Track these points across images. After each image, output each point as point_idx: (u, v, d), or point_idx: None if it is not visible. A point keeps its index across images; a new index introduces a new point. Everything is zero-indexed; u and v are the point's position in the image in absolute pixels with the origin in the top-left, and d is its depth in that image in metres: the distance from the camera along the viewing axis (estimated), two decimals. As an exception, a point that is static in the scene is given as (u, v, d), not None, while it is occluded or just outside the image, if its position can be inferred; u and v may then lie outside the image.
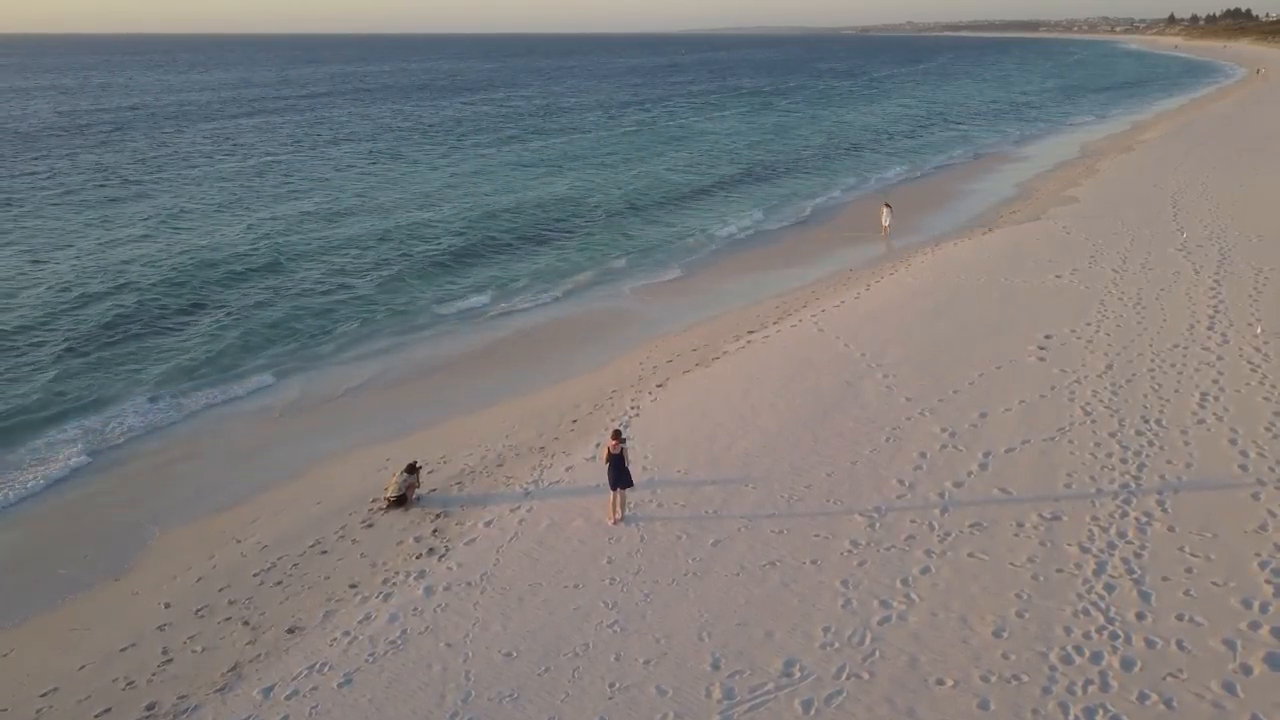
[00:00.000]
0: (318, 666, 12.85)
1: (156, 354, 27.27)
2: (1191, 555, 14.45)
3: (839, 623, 13.15)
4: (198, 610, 14.65)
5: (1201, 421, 19.20)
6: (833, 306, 28.76)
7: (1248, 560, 14.28)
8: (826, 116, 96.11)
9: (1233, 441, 18.26)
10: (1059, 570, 14.18)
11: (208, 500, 18.72)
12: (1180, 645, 12.40)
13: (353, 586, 14.92)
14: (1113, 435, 18.70)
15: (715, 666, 12.37)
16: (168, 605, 14.87)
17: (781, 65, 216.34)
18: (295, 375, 25.84)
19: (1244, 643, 12.42)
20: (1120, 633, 12.69)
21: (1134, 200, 42.85)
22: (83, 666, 13.50)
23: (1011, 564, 14.42)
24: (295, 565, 15.77)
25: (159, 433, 22.17)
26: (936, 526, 15.61)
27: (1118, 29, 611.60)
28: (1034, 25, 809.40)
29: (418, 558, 15.58)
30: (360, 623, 13.80)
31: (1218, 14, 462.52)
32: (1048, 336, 24.54)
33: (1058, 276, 30.39)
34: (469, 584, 14.61)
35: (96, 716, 12.40)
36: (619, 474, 16.10)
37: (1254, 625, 12.77)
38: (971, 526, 15.55)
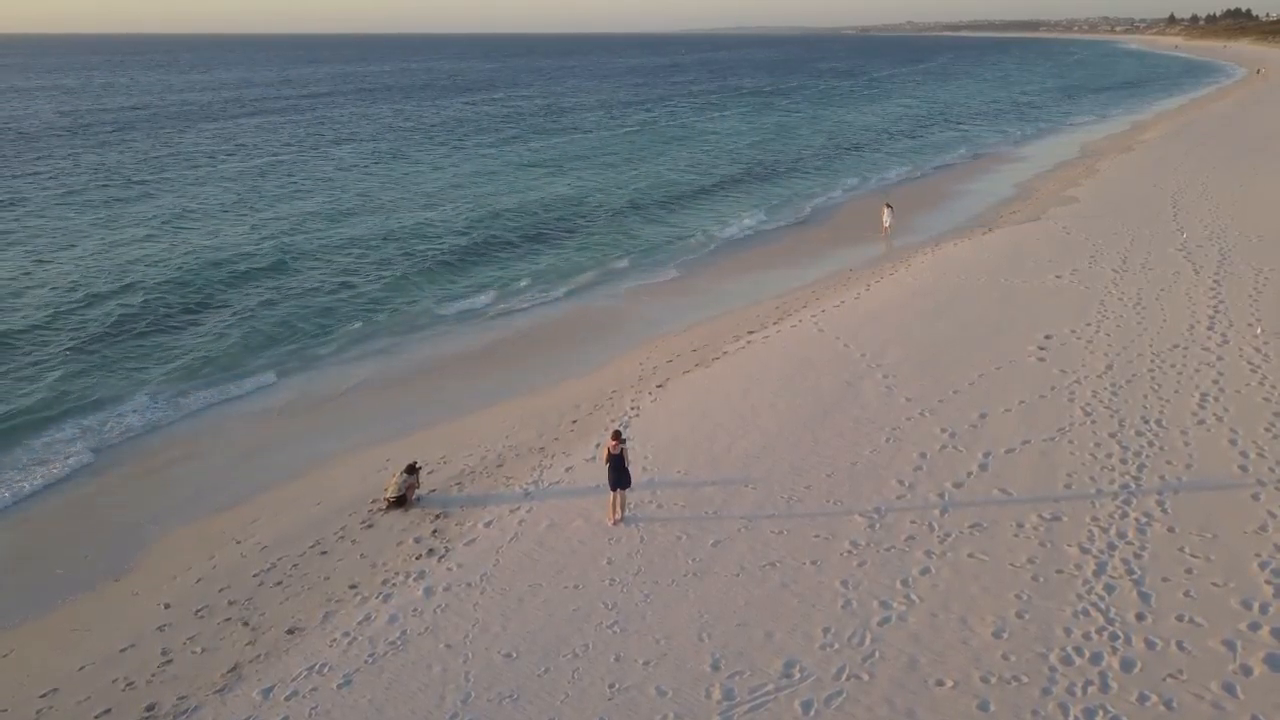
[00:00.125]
0: (317, 667, 12.85)
1: (157, 354, 27.27)
2: (1191, 556, 14.45)
3: (839, 623, 13.15)
4: (197, 611, 14.65)
5: (1201, 422, 19.20)
6: (833, 306, 28.76)
7: (1248, 561, 14.27)
8: (827, 116, 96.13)
9: (1233, 442, 18.25)
10: (1059, 571, 14.18)
11: (208, 500, 18.73)
12: (1180, 646, 12.40)
13: (352, 587, 14.92)
14: (1113, 436, 18.70)
15: (715, 667, 12.37)
16: (167, 606, 14.87)
17: (782, 65, 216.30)
18: (295, 375, 25.85)
19: (1244, 643, 12.41)
20: (1120, 634, 12.69)
21: (1134, 200, 42.85)
22: (82, 667, 13.50)
23: (1011, 565, 14.42)
24: (295, 566, 15.77)
25: (159, 433, 22.18)
26: (936, 527, 15.60)
27: (1118, 29, 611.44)
28: (1034, 25, 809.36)
29: (417, 558, 15.59)
30: (360, 623, 13.80)
31: (1218, 14, 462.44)
32: (1048, 337, 24.54)
33: (1058, 277, 30.39)
34: (469, 585, 14.61)
35: (96, 717, 12.40)
36: (619, 474, 16.09)
37: (1254, 626, 12.76)
38: (971, 527, 15.55)
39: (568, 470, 18.46)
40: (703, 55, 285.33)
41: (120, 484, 19.64)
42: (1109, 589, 13.68)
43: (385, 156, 66.79)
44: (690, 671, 12.31)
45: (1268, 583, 13.70)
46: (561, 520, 16.47)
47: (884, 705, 11.55)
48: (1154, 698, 11.49)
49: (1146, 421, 19.29)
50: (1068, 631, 12.77)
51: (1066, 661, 12.19)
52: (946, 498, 16.58)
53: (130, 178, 56.55)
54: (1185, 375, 21.62)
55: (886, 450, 18.51)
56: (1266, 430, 18.69)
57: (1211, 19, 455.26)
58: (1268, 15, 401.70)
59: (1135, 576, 13.96)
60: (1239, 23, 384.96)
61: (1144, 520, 15.53)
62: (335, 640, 13.44)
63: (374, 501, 17.83)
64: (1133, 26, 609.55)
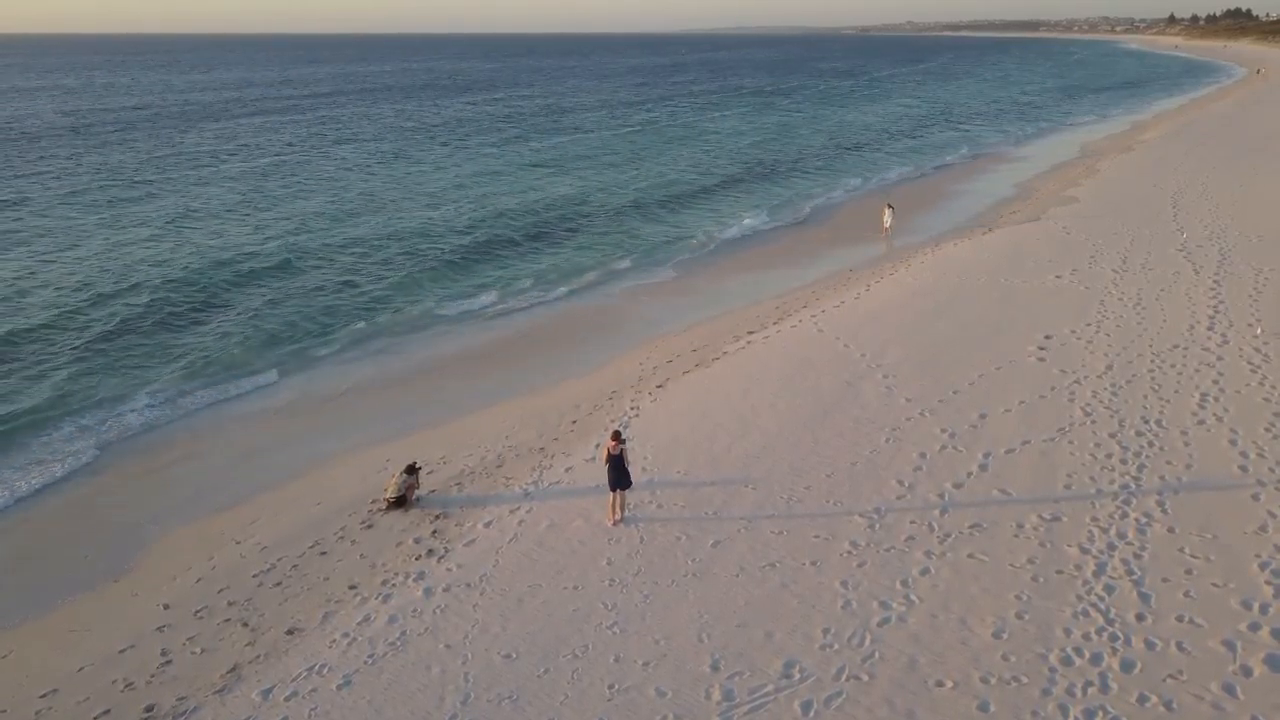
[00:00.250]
0: (317, 668, 12.85)
1: (158, 354, 27.28)
2: (1191, 556, 14.44)
3: (838, 624, 13.15)
4: (197, 611, 14.65)
5: (1201, 422, 19.19)
6: (833, 307, 28.75)
7: (1247, 561, 14.27)
8: (828, 116, 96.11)
9: (1233, 442, 18.24)
10: (1059, 571, 14.17)
11: (208, 500, 18.73)
12: (1180, 646, 12.39)
13: (352, 588, 14.92)
14: (1113, 436, 18.69)
15: (715, 668, 12.36)
16: (167, 606, 14.87)
17: (783, 65, 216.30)
18: (296, 375, 25.86)
19: (1244, 644, 12.41)
20: (1120, 634, 12.69)
21: (1134, 200, 42.83)
22: (82, 667, 13.50)
23: (1011, 565, 14.42)
24: (295, 566, 15.76)
25: (159, 433, 22.18)
26: (936, 527, 15.60)
27: (1118, 29, 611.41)
28: (1034, 25, 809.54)
29: (417, 559, 15.58)
30: (359, 624, 13.80)
31: (1218, 14, 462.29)
32: (1048, 337, 24.53)
33: (1058, 277, 30.37)
34: (468, 585, 14.61)
35: (96, 718, 12.40)
36: (619, 475, 16.09)
37: (1254, 626, 12.76)
38: (971, 527, 15.54)
39: (567, 470, 18.45)
40: (703, 55, 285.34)
41: (120, 484, 19.64)
42: (1109, 589, 13.68)
43: (387, 156, 66.80)
44: (690, 672, 12.31)
45: (1268, 583, 13.69)
46: (561, 521, 16.46)
47: (884, 706, 11.55)
48: (1154, 698, 11.49)
49: (1146, 422, 19.28)
50: (1067, 632, 12.77)
51: (1066, 662, 12.19)
52: (946, 498, 16.58)
53: (132, 178, 56.56)
54: (1185, 375, 21.61)
55: (886, 450, 18.50)
56: (1266, 430, 18.69)
57: (1211, 19, 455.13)
58: (1268, 15, 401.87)
59: (1135, 577, 13.96)
60: (1239, 23, 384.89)
61: (1144, 520, 15.52)
62: (335, 641, 13.44)
63: (374, 502, 17.82)
64: (1133, 26, 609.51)
